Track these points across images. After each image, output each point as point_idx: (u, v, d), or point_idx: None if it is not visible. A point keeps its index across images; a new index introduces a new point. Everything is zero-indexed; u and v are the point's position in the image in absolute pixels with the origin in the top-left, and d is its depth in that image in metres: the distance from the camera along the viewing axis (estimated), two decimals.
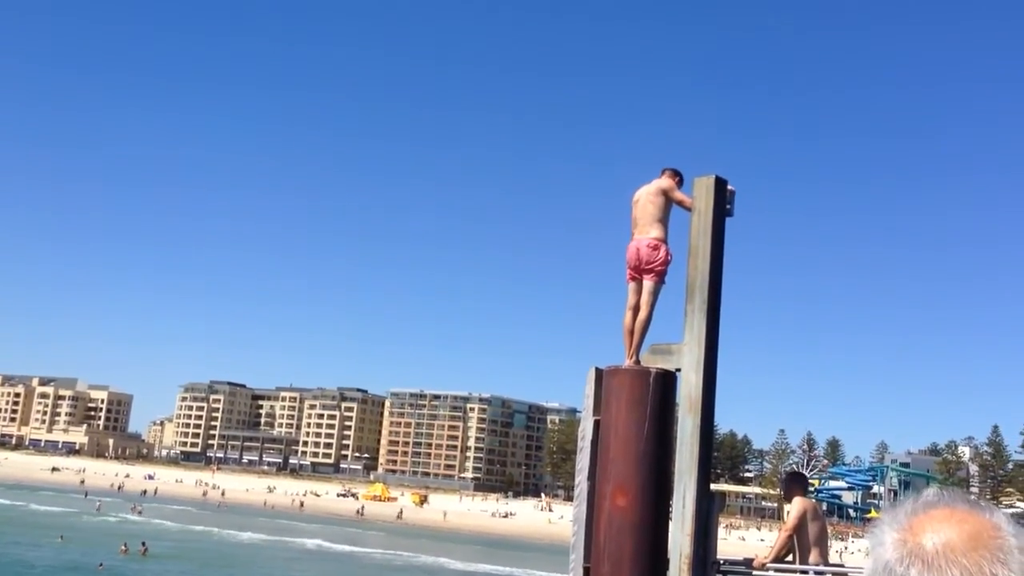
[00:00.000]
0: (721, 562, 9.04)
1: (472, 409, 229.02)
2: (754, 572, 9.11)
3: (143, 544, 55.59)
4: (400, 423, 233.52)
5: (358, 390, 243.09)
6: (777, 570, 9.13)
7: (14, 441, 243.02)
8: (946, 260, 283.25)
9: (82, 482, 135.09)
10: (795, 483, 10.02)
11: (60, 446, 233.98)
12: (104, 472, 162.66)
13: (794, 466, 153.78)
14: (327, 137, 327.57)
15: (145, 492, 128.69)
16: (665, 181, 9.07)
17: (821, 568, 9.21)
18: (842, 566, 10.11)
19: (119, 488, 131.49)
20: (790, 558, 9.35)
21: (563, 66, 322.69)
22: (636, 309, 9.02)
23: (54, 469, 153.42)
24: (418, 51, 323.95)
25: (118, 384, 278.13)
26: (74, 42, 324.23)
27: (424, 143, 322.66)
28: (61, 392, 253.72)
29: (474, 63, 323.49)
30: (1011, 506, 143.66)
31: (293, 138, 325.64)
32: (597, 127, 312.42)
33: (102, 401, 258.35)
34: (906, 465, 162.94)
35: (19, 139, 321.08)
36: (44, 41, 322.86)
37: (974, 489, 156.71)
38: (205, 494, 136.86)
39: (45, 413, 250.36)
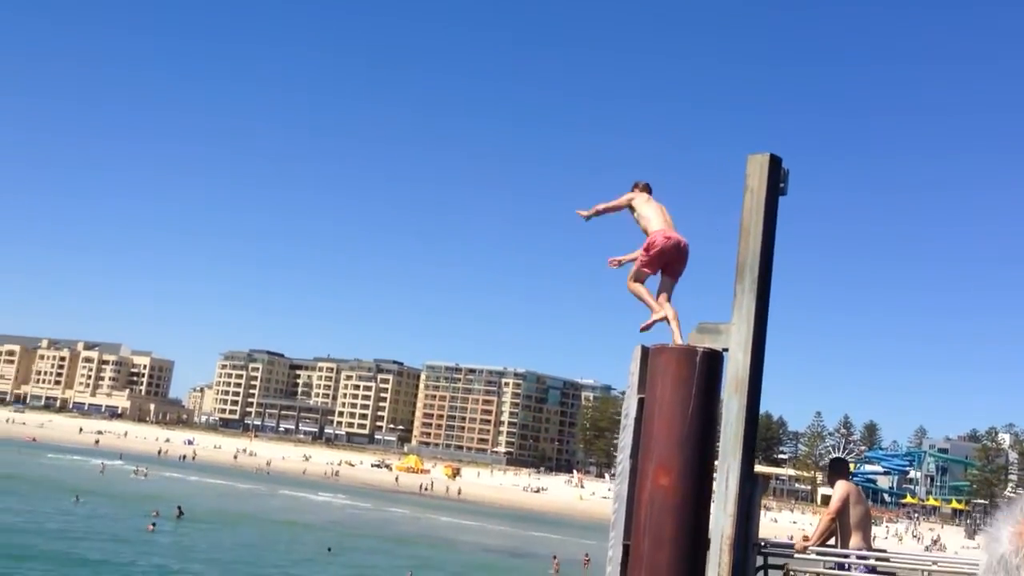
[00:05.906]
0: (763, 544, 9.00)
1: (507, 384, 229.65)
2: (796, 555, 9.07)
3: (179, 508, 55.24)
4: (435, 396, 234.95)
5: (394, 362, 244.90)
6: (820, 553, 9.08)
7: (58, 404, 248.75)
8: (990, 241, 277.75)
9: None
10: (837, 468, 10.06)
11: (103, 410, 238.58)
12: (145, 436, 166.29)
13: (830, 449, 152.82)
14: (381, 108, 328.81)
15: (184, 457, 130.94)
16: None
17: (863, 552, 9.15)
18: (884, 551, 9.98)
19: (161, 452, 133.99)
20: (832, 541, 9.30)
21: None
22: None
23: (99, 433, 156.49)
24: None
25: (160, 350, 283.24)
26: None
27: (462, 112, 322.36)
28: (105, 357, 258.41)
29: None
30: None
31: (353, 113, 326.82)
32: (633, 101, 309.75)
33: (144, 367, 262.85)
34: (944, 451, 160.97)
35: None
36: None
37: (1012, 477, 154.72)
38: (236, 457, 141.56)
39: (89, 377, 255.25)
